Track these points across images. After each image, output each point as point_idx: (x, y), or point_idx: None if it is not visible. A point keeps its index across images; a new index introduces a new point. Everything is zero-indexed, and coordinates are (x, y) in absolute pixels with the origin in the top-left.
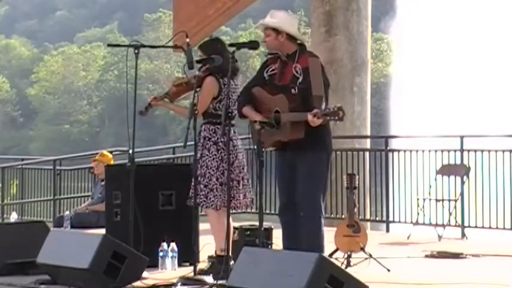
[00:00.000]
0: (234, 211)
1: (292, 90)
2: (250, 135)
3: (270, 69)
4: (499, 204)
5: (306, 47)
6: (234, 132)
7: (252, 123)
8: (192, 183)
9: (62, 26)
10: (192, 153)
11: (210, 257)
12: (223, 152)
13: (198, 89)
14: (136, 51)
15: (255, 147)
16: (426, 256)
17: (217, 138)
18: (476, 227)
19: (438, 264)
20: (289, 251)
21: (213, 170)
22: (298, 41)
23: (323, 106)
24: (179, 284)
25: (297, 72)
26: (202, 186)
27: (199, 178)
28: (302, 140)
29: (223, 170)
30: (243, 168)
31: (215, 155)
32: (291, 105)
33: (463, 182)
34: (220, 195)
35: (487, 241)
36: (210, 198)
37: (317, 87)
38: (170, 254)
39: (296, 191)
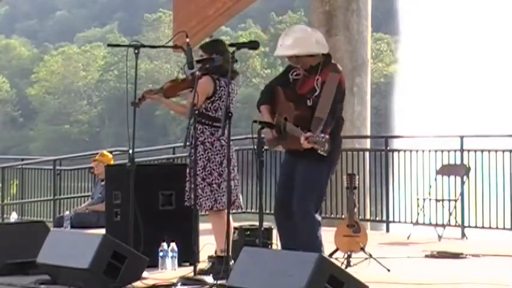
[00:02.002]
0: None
1: (308, 102)
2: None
3: (295, 73)
4: (499, 204)
5: (330, 59)
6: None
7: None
8: (191, 184)
9: (62, 26)
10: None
11: (210, 257)
12: (210, 152)
13: (190, 88)
14: (136, 51)
15: (255, 147)
16: (426, 256)
17: (204, 139)
18: (476, 227)
19: (438, 264)
20: (289, 251)
21: (199, 170)
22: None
23: (319, 130)
24: (179, 284)
25: (317, 85)
26: (192, 187)
27: (187, 178)
28: (304, 149)
29: (210, 170)
30: (233, 169)
31: (202, 155)
32: (298, 115)
33: (463, 182)
34: (209, 195)
35: (487, 241)
36: (198, 198)
37: (322, 109)
38: (170, 254)
39: (292, 196)
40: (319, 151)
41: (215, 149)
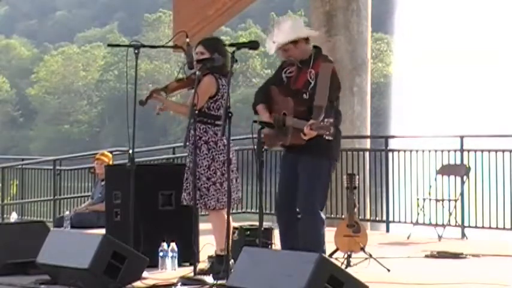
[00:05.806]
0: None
1: (304, 95)
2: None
3: (288, 71)
4: (499, 204)
5: (321, 50)
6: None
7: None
8: (188, 184)
9: (62, 26)
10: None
11: (210, 257)
12: (214, 151)
13: (191, 88)
14: (136, 51)
15: (255, 147)
16: (426, 256)
17: (208, 138)
18: (476, 227)
19: (438, 264)
20: (289, 251)
21: (204, 170)
22: (313, 44)
23: (321, 117)
24: (179, 284)
25: (310, 78)
26: (187, 186)
27: (185, 178)
28: (304, 145)
29: (214, 170)
30: (234, 167)
31: (206, 154)
32: (297, 108)
33: (463, 182)
34: (213, 195)
35: (487, 241)
36: (203, 198)
37: (320, 97)
38: (170, 254)
39: (295, 194)
40: (325, 136)
41: (219, 148)
